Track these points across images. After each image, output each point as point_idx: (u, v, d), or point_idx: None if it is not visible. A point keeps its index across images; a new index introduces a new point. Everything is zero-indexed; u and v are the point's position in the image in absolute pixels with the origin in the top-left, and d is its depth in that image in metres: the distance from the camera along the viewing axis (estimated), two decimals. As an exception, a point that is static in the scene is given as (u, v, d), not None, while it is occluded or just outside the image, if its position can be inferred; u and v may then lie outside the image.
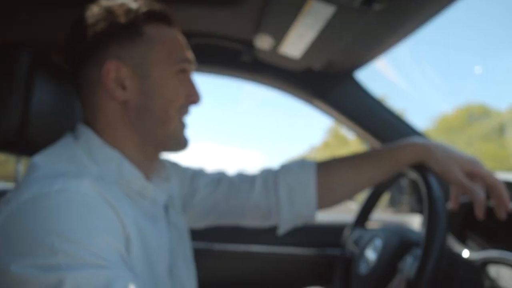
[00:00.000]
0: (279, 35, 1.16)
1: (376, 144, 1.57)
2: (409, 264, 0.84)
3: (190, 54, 0.84)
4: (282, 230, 1.01)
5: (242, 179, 1.04)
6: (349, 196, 1.01)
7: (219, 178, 1.04)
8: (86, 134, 0.77)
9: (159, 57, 0.79)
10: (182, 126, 0.84)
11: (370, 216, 1.20)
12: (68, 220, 0.60)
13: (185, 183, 1.04)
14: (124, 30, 0.76)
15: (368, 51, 1.25)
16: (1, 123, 0.79)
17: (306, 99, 1.53)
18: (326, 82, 1.44)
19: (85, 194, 0.64)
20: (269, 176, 1.02)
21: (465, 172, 0.90)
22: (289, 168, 1.02)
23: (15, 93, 0.81)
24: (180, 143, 0.85)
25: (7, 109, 0.80)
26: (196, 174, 1.05)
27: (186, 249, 0.95)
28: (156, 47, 0.78)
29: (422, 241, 0.76)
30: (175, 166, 1.04)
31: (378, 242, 0.98)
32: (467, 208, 1.14)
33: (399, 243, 0.93)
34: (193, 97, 0.84)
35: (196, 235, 1.31)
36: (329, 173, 1.00)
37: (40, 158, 0.71)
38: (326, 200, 1.00)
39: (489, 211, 1.06)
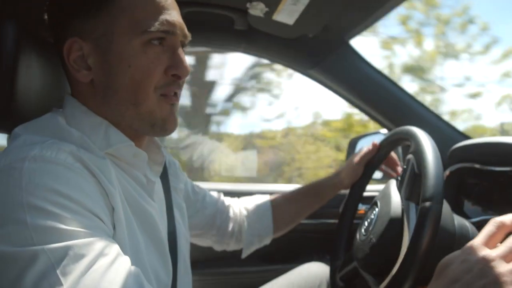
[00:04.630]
0: (272, 1, 1.14)
1: (375, 115, 1.55)
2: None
3: (172, 23, 0.71)
4: (245, 253, 1.20)
5: (226, 207, 1.18)
6: (295, 222, 1.24)
7: (216, 199, 1.18)
8: (71, 104, 0.74)
9: (123, 27, 0.68)
10: (161, 107, 0.73)
11: (365, 189, 1.19)
12: (42, 189, 0.56)
13: (187, 188, 1.08)
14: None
15: (363, 16, 1.22)
16: None
17: (301, 68, 1.51)
18: (321, 49, 1.41)
19: (63, 162, 0.60)
20: (236, 203, 1.22)
21: None
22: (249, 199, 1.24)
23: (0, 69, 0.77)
24: (158, 127, 0.74)
25: None
26: (203, 193, 1.16)
27: (187, 230, 0.97)
28: (123, 15, 0.68)
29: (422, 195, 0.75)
30: (178, 165, 1.05)
31: (375, 209, 0.97)
32: (460, 175, 1.13)
33: (393, 209, 0.92)
34: (174, 70, 0.73)
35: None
36: (278, 205, 1.22)
37: (20, 128, 0.68)
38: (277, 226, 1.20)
39: (483, 176, 1.06)
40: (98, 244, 0.55)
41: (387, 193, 0.92)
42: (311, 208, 1.23)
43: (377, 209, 0.93)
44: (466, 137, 1.43)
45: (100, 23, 0.68)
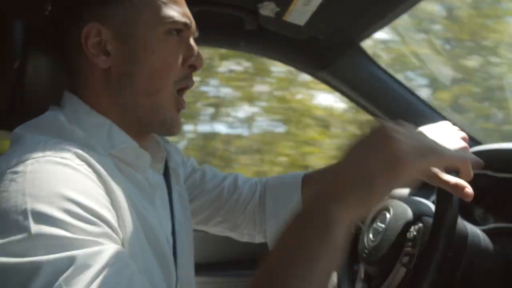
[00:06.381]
0: (284, 1, 1.13)
1: (385, 119, 1.53)
2: (420, 232, 0.83)
3: (188, 16, 0.75)
4: (272, 245, 0.99)
5: (245, 180, 1.03)
6: None
7: (226, 174, 1.03)
8: (73, 102, 0.72)
9: (146, 15, 0.70)
10: (172, 108, 0.75)
11: None
12: (47, 193, 0.53)
13: (187, 170, 1.01)
14: None
15: (375, 18, 1.21)
16: None
17: (310, 70, 1.50)
18: (331, 51, 1.39)
19: (69, 162, 0.57)
20: (261, 184, 1.02)
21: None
22: (277, 179, 1.03)
23: (7, 68, 0.76)
24: (167, 125, 0.75)
25: None
26: (204, 170, 1.02)
27: (189, 224, 0.93)
28: (145, 4, 0.70)
29: (436, 205, 0.73)
30: (175, 148, 0.99)
31: (386, 214, 0.96)
32: (471, 182, 1.11)
33: (409, 213, 0.90)
34: (192, 61, 0.75)
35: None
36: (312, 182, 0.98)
37: (20, 129, 0.66)
38: None
39: (495, 183, 1.04)
40: (105, 253, 0.52)
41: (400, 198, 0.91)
42: None
43: (388, 215, 0.92)
44: (478, 143, 1.41)
45: (122, 10, 0.69)
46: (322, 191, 0.51)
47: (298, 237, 0.49)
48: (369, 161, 0.49)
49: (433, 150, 0.52)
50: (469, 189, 0.66)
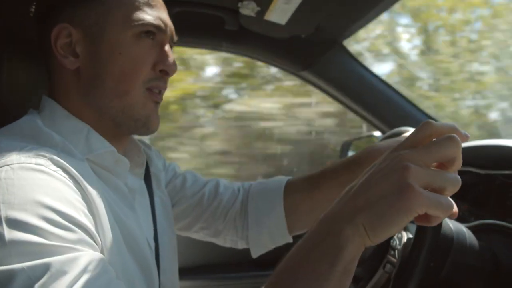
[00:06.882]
0: (264, 0, 1.11)
1: (368, 117, 1.53)
2: (402, 242, 0.82)
3: (162, 20, 0.74)
4: (254, 252, 0.98)
5: (226, 186, 1.01)
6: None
7: (207, 180, 1.01)
8: (50, 106, 0.71)
9: (116, 17, 0.69)
10: (145, 104, 0.73)
11: None
12: (20, 200, 0.52)
13: (168, 175, 0.99)
14: None
15: (356, 16, 1.21)
16: None
17: (293, 69, 1.49)
18: (314, 50, 1.39)
19: (44, 168, 0.56)
20: (244, 190, 1.00)
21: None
22: (260, 184, 1.00)
23: None
24: (140, 124, 0.74)
25: None
26: (184, 176, 1.00)
27: (172, 229, 0.92)
28: (117, 7, 0.69)
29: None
30: (156, 152, 0.97)
31: None
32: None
33: None
34: (162, 66, 0.73)
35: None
36: (296, 189, 0.96)
37: None
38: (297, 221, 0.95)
39: (478, 179, 1.04)
40: (82, 260, 0.51)
41: None
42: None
43: None
44: (461, 139, 1.42)
45: (93, 11, 0.69)
46: (336, 212, 0.49)
47: (308, 257, 0.48)
48: (383, 188, 0.47)
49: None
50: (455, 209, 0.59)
